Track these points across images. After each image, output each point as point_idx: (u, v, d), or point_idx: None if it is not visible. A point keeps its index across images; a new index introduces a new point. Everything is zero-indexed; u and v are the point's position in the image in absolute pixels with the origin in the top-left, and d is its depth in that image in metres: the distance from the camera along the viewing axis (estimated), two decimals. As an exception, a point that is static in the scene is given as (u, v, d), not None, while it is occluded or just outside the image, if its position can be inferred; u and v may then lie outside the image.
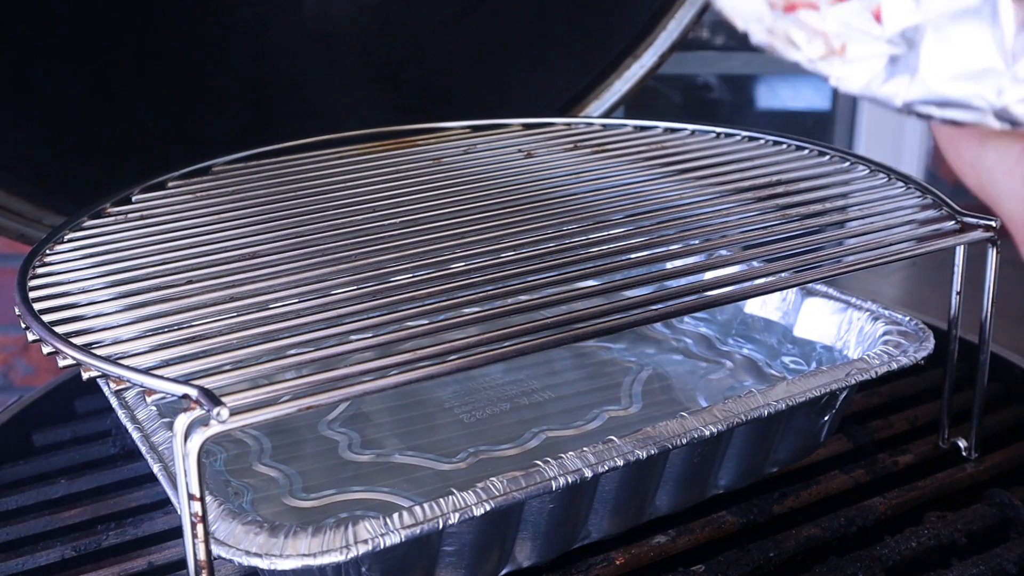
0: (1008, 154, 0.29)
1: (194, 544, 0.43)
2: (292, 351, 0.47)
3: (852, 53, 0.28)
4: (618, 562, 0.57)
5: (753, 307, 0.76)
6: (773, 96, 1.45)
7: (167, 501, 0.63)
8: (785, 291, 0.73)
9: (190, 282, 0.54)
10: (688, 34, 0.93)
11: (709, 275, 0.57)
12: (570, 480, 0.50)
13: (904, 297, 1.02)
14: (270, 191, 0.68)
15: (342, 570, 0.49)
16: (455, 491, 0.48)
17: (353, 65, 0.89)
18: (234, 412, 0.42)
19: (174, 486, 0.50)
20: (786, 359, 0.73)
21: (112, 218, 0.64)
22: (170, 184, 0.70)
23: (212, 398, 0.41)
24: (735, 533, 0.61)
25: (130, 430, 0.56)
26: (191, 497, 0.42)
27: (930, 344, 0.63)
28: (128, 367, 0.45)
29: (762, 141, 0.76)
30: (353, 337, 0.48)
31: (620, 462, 0.52)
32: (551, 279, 0.54)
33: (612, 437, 0.53)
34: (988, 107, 0.26)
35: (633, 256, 0.57)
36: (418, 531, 0.47)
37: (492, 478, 0.49)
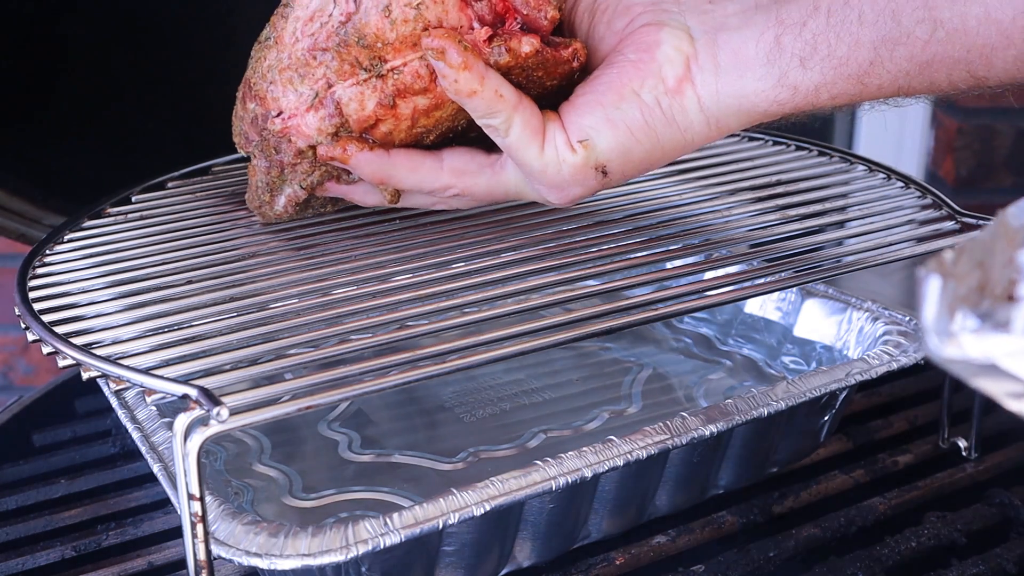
0: None
1: (194, 544, 0.43)
2: (292, 351, 0.47)
3: None
4: (618, 562, 0.57)
5: (753, 307, 0.76)
6: (773, 96, 1.45)
7: (167, 501, 0.63)
8: (785, 291, 0.73)
9: (190, 282, 0.54)
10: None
11: (709, 275, 0.57)
12: (570, 480, 0.50)
13: (904, 297, 1.02)
14: (270, 191, 0.68)
15: (342, 570, 0.49)
16: (455, 491, 0.48)
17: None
18: (234, 412, 0.42)
19: (174, 486, 0.50)
20: (786, 359, 0.73)
21: (112, 218, 0.64)
22: (170, 184, 0.70)
23: (212, 398, 0.41)
24: (735, 533, 0.61)
25: (130, 430, 0.56)
26: (191, 497, 0.42)
27: (930, 344, 0.63)
28: (128, 367, 0.45)
29: (762, 141, 0.76)
30: (353, 337, 0.48)
31: (620, 462, 0.52)
32: (551, 279, 0.54)
33: (612, 437, 0.53)
34: None
35: (633, 256, 0.57)
36: (418, 531, 0.47)
37: (492, 478, 0.49)
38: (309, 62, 0.53)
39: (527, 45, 0.52)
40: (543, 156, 0.53)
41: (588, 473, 0.51)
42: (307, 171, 0.56)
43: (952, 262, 0.28)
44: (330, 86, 0.53)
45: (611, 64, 0.54)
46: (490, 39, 0.51)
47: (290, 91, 0.54)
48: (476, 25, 0.52)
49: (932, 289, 0.27)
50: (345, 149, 0.54)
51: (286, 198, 0.58)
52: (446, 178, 0.56)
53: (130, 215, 0.65)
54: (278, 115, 0.55)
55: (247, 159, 0.74)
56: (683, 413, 0.55)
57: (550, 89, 0.55)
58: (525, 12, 0.53)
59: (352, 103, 0.53)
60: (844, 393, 0.63)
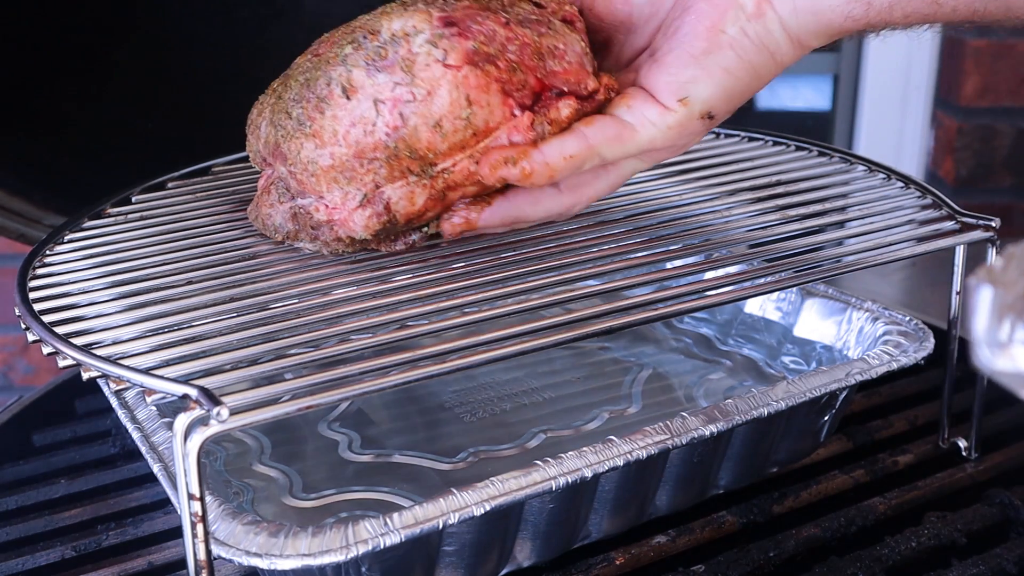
0: None
1: (194, 544, 0.43)
2: (292, 351, 0.47)
3: None
4: (618, 562, 0.57)
5: (753, 307, 0.76)
6: (773, 96, 1.45)
7: (167, 501, 0.63)
8: (785, 291, 0.73)
9: (190, 282, 0.54)
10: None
11: (709, 275, 0.57)
12: (570, 480, 0.50)
13: (904, 297, 1.02)
14: (270, 191, 0.68)
15: (342, 570, 0.49)
16: (455, 491, 0.48)
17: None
18: (234, 412, 0.42)
19: (174, 486, 0.50)
20: (786, 359, 0.73)
21: (112, 218, 0.64)
22: (170, 184, 0.70)
23: (212, 398, 0.41)
24: (735, 533, 0.61)
25: (130, 430, 0.56)
26: (191, 497, 0.42)
27: (930, 344, 0.63)
28: (128, 367, 0.45)
29: (762, 141, 0.76)
30: (353, 337, 0.48)
31: (620, 462, 0.52)
32: (551, 279, 0.54)
33: (612, 437, 0.53)
34: None
35: (633, 256, 0.57)
36: (418, 531, 0.47)
37: (492, 478, 0.49)
38: (356, 168, 0.52)
39: (566, 109, 0.53)
40: (641, 138, 0.53)
41: (588, 473, 0.51)
42: (340, 251, 0.56)
43: (1001, 270, 0.28)
44: (378, 187, 0.53)
45: (687, 10, 0.53)
46: (532, 121, 0.52)
47: (336, 189, 0.53)
48: (517, 112, 0.52)
49: (984, 299, 0.27)
50: (468, 219, 0.55)
51: (303, 247, 0.57)
52: (567, 199, 0.56)
53: (130, 215, 0.65)
54: (320, 199, 0.54)
55: (247, 159, 0.74)
56: (683, 413, 0.55)
57: None
58: (566, 89, 0.53)
59: (402, 201, 0.53)
60: (844, 393, 0.63)
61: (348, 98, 0.52)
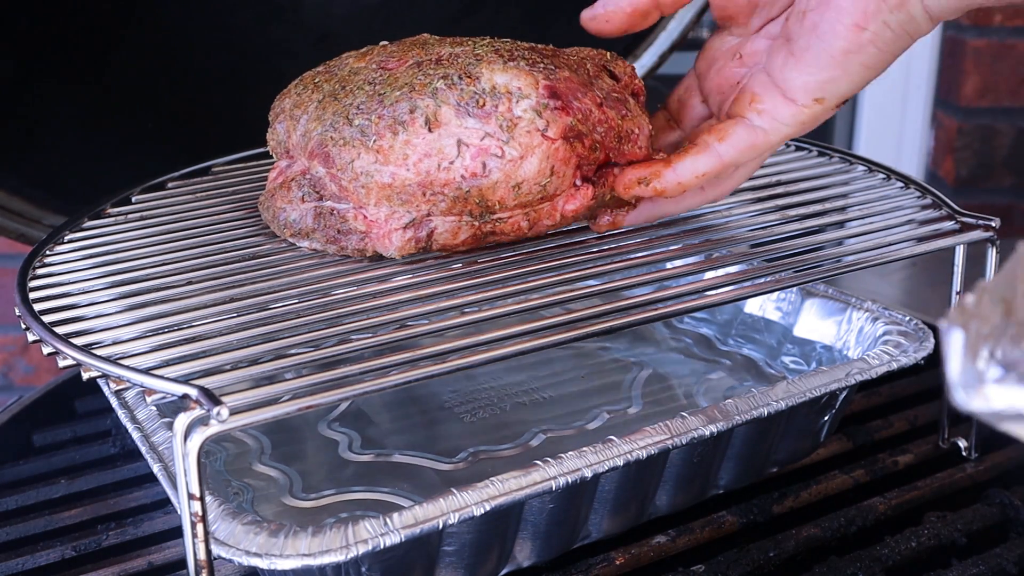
0: None
1: (194, 544, 0.43)
2: (292, 351, 0.47)
3: None
4: (618, 562, 0.57)
5: (753, 307, 0.76)
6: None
7: (167, 501, 0.63)
8: (785, 291, 0.73)
9: (190, 282, 0.54)
10: (688, 34, 0.93)
11: (709, 275, 0.57)
12: (570, 480, 0.50)
13: (904, 297, 1.02)
14: (270, 191, 0.68)
15: (342, 570, 0.49)
16: (455, 491, 0.48)
17: (353, 65, 0.89)
18: (234, 412, 0.42)
19: (174, 486, 0.50)
20: (786, 359, 0.73)
21: (112, 218, 0.64)
22: (170, 184, 0.70)
23: (212, 398, 0.41)
24: (735, 533, 0.61)
25: (130, 430, 0.56)
26: (191, 497, 0.42)
27: (930, 344, 0.63)
28: (128, 367, 0.45)
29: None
30: (353, 337, 0.48)
31: (620, 462, 0.52)
32: (551, 279, 0.54)
33: (612, 437, 0.53)
34: None
35: (633, 256, 0.57)
36: (418, 531, 0.47)
37: (492, 478, 0.49)
38: (416, 195, 0.53)
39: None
40: (773, 140, 0.54)
41: (588, 473, 0.51)
42: (355, 255, 0.56)
43: (974, 304, 0.28)
44: (429, 215, 0.54)
45: (826, 4, 0.51)
46: (593, 193, 0.54)
47: (384, 206, 0.54)
48: (578, 182, 0.54)
49: (955, 343, 0.27)
50: (614, 220, 0.58)
51: (307, 246, 0.57)
52: (710, 194, 0.58)
53: (130, 215, 0.65)
54: (359, 209, 0.54)
55: (247, 159, 0.74)
56: (683, 413, 0.55)
57: None
58: (627, 163, 0.55)
59: (445, 233, 0.54)
60: (844, 393, 0.63)
61: (430, 130, 0.52)
